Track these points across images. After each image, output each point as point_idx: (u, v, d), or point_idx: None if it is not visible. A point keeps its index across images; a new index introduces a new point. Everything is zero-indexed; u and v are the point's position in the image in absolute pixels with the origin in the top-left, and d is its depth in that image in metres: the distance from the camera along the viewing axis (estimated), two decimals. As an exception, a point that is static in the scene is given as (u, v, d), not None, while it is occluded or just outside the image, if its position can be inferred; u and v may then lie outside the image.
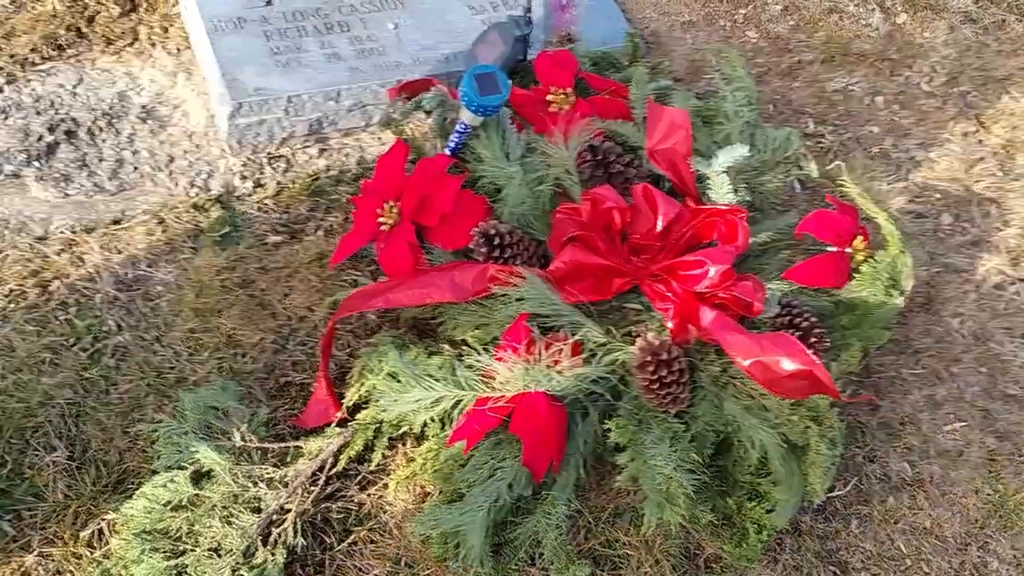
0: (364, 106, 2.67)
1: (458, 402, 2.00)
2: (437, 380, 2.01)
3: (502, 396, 1.97)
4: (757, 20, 3.24)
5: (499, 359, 1.99)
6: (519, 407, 1.97)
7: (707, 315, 2.04)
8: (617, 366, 2.06)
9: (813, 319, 2.13)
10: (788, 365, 1.90)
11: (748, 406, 2.01)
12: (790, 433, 1.97)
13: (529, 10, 2.57)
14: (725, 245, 2.14)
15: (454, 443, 1.99)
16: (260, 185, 2.58)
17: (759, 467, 2.04)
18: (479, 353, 2.04)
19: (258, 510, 1.98)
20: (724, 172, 2.21)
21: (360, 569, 2.01)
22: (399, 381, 2.06)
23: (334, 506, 2.07)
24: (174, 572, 1.91)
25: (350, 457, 2.09)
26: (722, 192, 2.21)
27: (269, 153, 2.64)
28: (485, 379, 2.00)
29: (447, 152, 2.35)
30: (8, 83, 2.68)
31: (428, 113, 2.44)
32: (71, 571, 1.94)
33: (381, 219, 2.25)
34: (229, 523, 1.95)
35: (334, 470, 2.08)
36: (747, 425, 1.98)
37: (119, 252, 2.40)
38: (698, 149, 2.35)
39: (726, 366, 2.06)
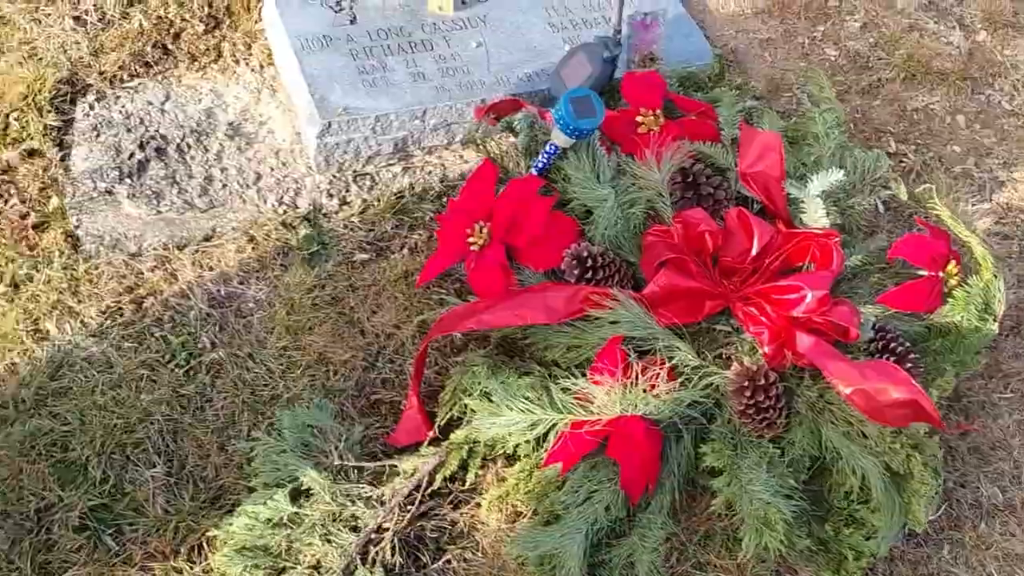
0: (448, 125, 2.69)
1: (554, 425, 2.01)
2: (533, 402, 2.02)
3: (598, 419, 1.98)
4: (836, 37, 3.23)
5: (596, 382, 2.00)
6: (616, 430, 1.97)
7: (804, 340, 2.03)
8: (712, 390, 2.06)
9: (907, 344, 2.12)
10: (893, 393, 1.89)
11: (847, 433, 2.00)
12: (892, 461, 1.96)
13: (619, 31, 2.58)
14: (821, 270, 2.13)
15: (549, 465, 2.00)
16: (346, 203, 2.61)
17: (856, 493, 2.03)
18: (573, 376, 2.05)
19: (356, 528, 2.01)
20: (818, 196, 2.20)
21: (455, 588, 2.04)
22: (492, 401, 2.08)
23: (428, 525, 2.09)
24: (275, 589, 1.94)
25: (444, 476, 2.10)
26: (816, 216, 2.20)
27: (355, 171, 2.67)
28: (581, 402, 2.01)
29: (534, 172, 2.36)
30: (98, 100, 2.73)
31: (516, 134, 2.45)
32: (173, 586, 1.98)
33: (471, 239, 2.27)
34: (328, 541, 1.97)
35: (429, 489, 2.10)
36: (848, 452, 1.98)
37: (211, 269, 2.43)
38: (786, 171, 2.34)
39: (823, 391, 2.05)
